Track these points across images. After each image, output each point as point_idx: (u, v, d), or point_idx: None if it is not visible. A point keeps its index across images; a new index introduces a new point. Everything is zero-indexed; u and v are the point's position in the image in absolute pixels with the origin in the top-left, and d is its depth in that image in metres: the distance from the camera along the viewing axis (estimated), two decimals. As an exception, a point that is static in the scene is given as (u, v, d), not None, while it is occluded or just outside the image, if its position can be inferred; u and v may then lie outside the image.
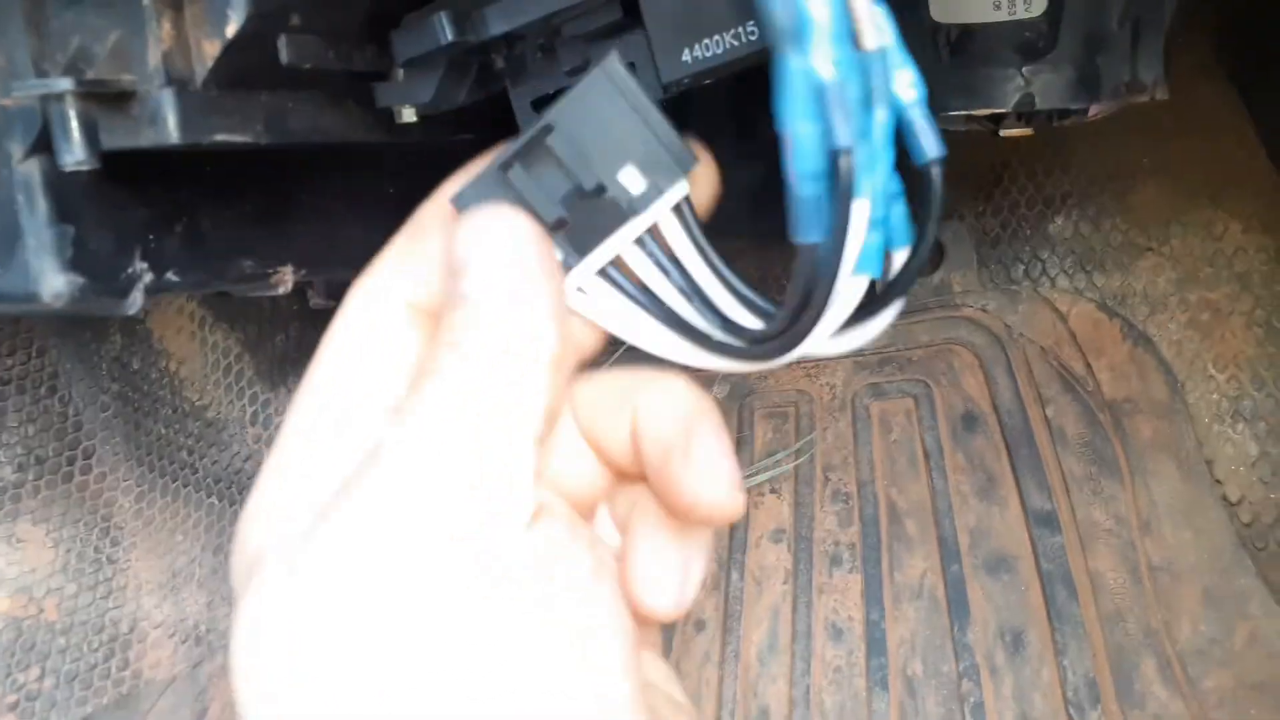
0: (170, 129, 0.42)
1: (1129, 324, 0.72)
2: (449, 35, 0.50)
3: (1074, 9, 0.56)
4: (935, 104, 0.62)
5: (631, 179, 0.34)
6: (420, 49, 0.51)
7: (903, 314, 0.84)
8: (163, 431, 0.86)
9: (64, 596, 0.78)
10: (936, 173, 0.30)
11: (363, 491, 0.28)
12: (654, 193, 0.34)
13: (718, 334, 0.35)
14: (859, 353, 0.77)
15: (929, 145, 0.31)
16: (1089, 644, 0.61)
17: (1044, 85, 0.58)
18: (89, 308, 0.47)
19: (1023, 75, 0.58)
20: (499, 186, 0.35)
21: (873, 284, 0.33)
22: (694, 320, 0.36)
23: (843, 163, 0.29)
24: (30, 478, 0.80)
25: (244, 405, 0.85)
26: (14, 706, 0.73)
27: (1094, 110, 0.61)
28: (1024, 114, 0.62)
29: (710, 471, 0.31)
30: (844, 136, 0.29)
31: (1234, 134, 0.70)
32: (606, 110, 0.35)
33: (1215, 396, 0.70)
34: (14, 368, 0.82)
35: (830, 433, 0.76)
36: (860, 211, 0.30)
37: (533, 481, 0.28)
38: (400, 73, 0.53)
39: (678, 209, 0.34)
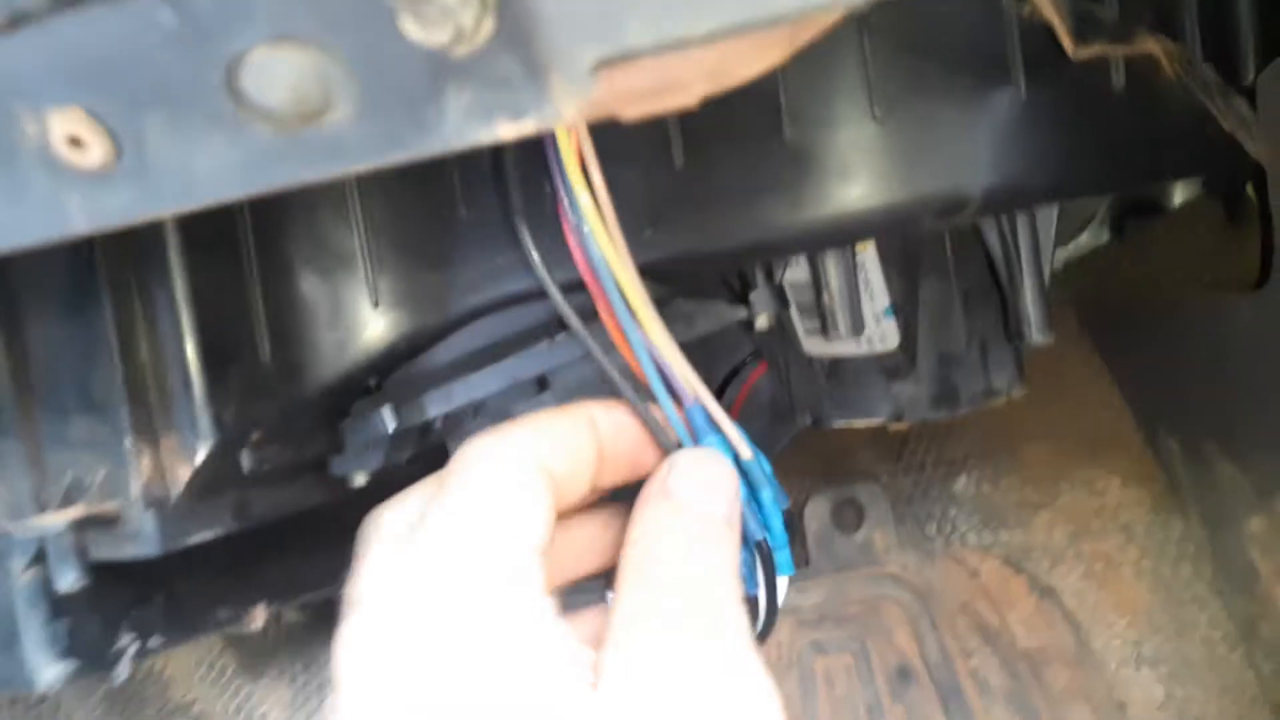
0: (152, 543, 0.50)
1: (1033, 578, 0.79)
2: (390, 426, 0.59)
3: (925, 340, 0.66)
4: (822, 416, 0.71)
5: None
6: (367, 436, 0.60)
7: (836, 570, 0.91)
8: (152, 728, 0.90)
9: None
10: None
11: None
12: None
13: None
14: (799, 610, 0.83)
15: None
16: None
17: (910, 400, 0.67)
18: (82, 682, 0.54)
19: (890, 393, 0.67)
20: None
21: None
22: None
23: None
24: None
25: (228, 699, 0.90)
26: None
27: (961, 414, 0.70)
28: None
29: None
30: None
31: (1102, 399, 0.79)
32: None
33: (1118, 643, 0.76)
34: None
35: (781, 692, 0.81)
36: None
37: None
38: (352, 452, 0.61)
39: None
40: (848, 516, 0.88)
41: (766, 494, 0.44)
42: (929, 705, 0.76)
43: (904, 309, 0.63)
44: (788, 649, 0.83)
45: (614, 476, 0.42)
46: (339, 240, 0.55)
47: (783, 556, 0.44)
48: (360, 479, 0.61)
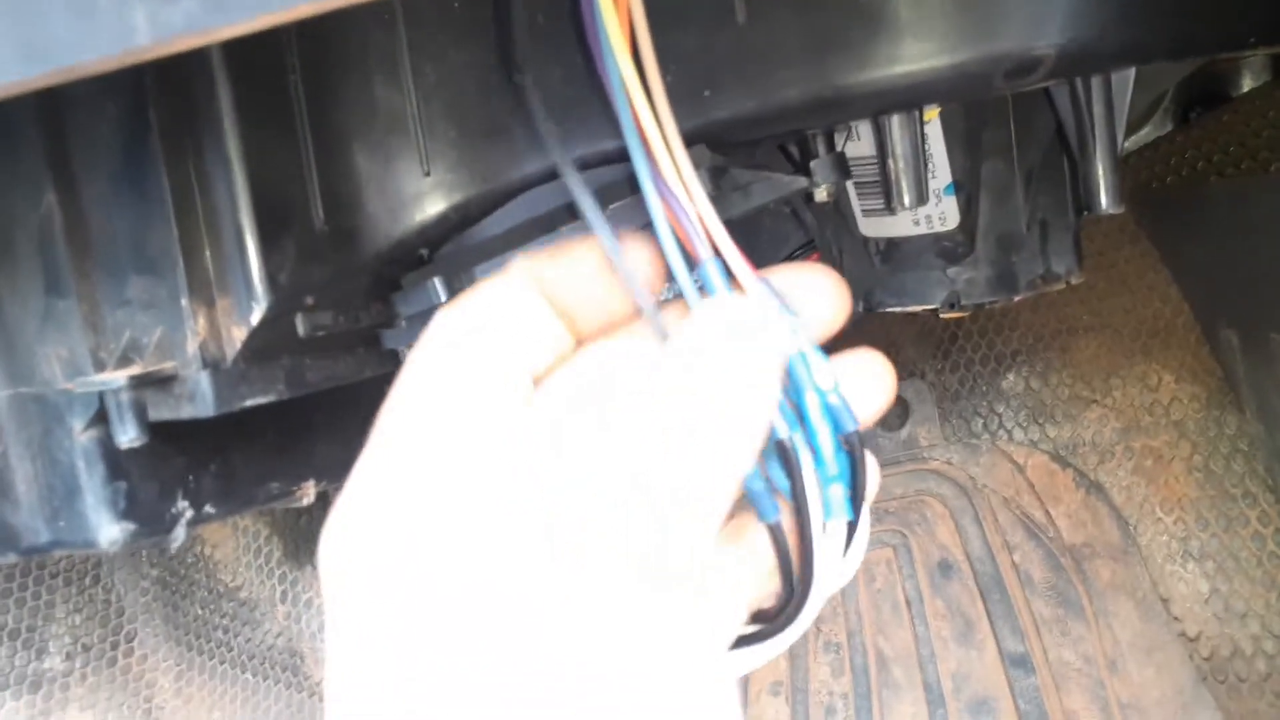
0: (208, 403, 0.50)
1: (1080, 473, 0.78)
2: (443, 297, 0.58)
3: (985, 220, 0.64)
4: (874, 302, 0.70)
5: None
6: (419, 307, 0.60)
7: (881, 466, 0.92)
8: (199, 612, 0.92)
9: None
10: (855, 440, 0.35)
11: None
12: None
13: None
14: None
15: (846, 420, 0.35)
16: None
17: (967, 284, 0.66)
18: (140, 546, 0.55)
19: (947, 276, 0.66)
20: None
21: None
22: None
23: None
24: (78, 665, 0.86)
25: (274, 585, 0.92)
26: None
27: (1015, 299, 0.69)
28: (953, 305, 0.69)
29: None
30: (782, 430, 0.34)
31: (1158, 292, 0.77)
32: None
33: (1165, 538, 0.75)
34: (60, 560, 0.89)
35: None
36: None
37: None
38: (403, 322, 0.61)
39: None
40: (891, 413, 0.87)
41: (813, 398, 0.34)
42: (969, 598, 0.76)
43: (965, 186, 0.61)
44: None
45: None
46: (391, 105, 0.54)
47: (833, 493, 0.34)
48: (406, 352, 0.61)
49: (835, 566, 0.36)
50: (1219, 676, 0.70)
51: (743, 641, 0.38)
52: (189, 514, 0.57)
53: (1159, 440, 0.77)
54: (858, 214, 0.66)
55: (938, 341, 0.89)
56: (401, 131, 0.54)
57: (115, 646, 0.90)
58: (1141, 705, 0.69)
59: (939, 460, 0.83)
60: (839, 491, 0.35)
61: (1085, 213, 0.60)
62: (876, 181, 0.62)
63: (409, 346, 0.66)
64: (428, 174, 0.54)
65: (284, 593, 0.92)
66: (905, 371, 0.87)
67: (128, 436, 0.49)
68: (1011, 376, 0.84)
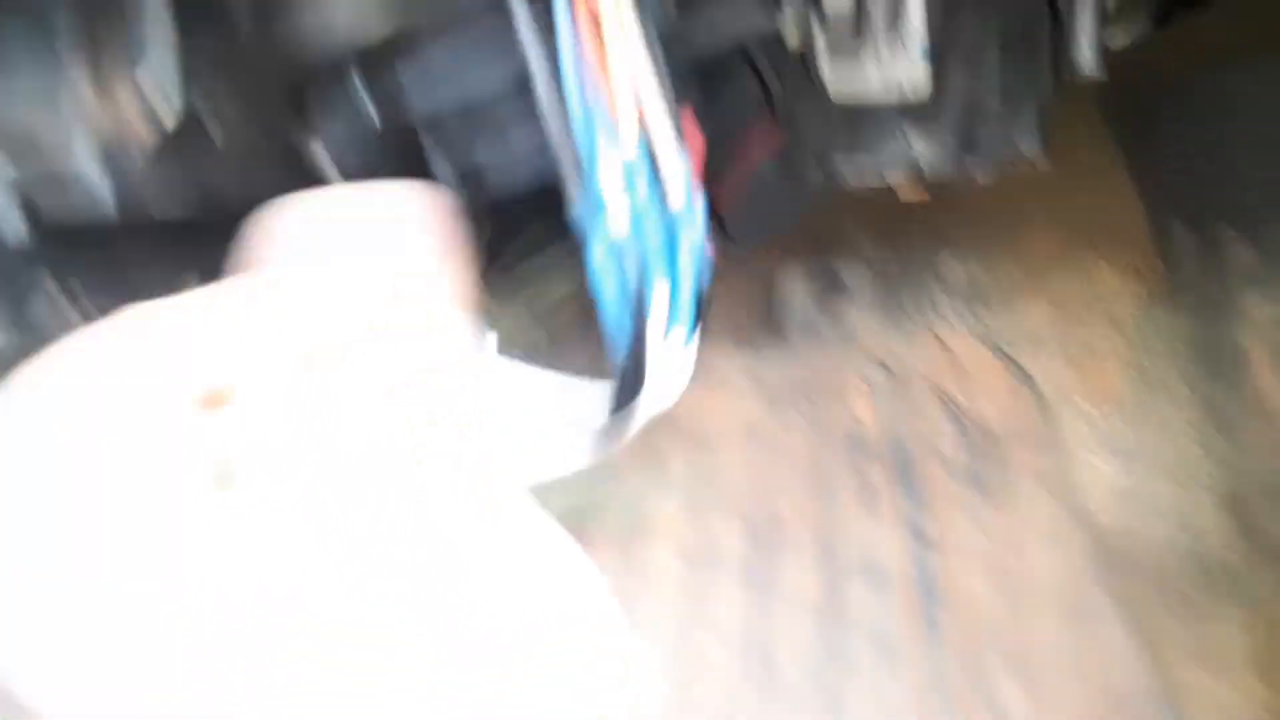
0: (107, 206, 0.46)
1: (1011, 360, 0.78)
2: (364, 96, 0.54)
3: (954, 83, 0.61)
4: (830, 170, 0.67)
5: None
6: (342, 116, 0.55)
7: (804, 340, 0.89)
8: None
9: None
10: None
11: None
12: None
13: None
14: (754, 371, 0.82)
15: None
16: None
17: (929, 155, 0.63)
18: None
19: (908, 142, 0.63)
20: None
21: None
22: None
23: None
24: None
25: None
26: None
27: (980, 177, 0.67)
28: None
29: None
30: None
31: (1114, 191, 0.76)
32: None
33: (1087, 429, 0.76)
34: None
35: (728, 449, 0.81)
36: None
37: None
38: (321, 143, 0.57)
39: None
40: (827, 291, 0.86)
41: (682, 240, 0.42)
42: (879, 471, 0.76)
43: (939, 52, 0.58)
44: (735, 407, 0.83)
45: None
46: None
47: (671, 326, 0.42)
48: (334, 174, 0.57)
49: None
50: (1121, 568, 0.72)
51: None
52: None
53: (1094, 333, 0.77)
54: (825, 70, 0.62)
55: (881, 223, 0.87)
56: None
57: None
58: (1036, 587, 0.71)
59: (868, 340, 0.82)
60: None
61: (1065, 77, 0.58)
62: (850, 20, 0.59)
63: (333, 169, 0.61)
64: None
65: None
66: (846, 251, 0.85)
67: (16, 235, 0.45)
68: (953, 262, 0.83)
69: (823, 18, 0.57)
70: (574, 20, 0.41)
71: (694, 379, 0.47)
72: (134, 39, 0.45)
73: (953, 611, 0.70)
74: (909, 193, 0.72)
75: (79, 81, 0.44)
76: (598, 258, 0.42)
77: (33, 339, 0.50)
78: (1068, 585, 0.70)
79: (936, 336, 0.80)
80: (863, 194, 0.73)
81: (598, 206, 0.41)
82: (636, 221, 0.41)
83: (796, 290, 0.85)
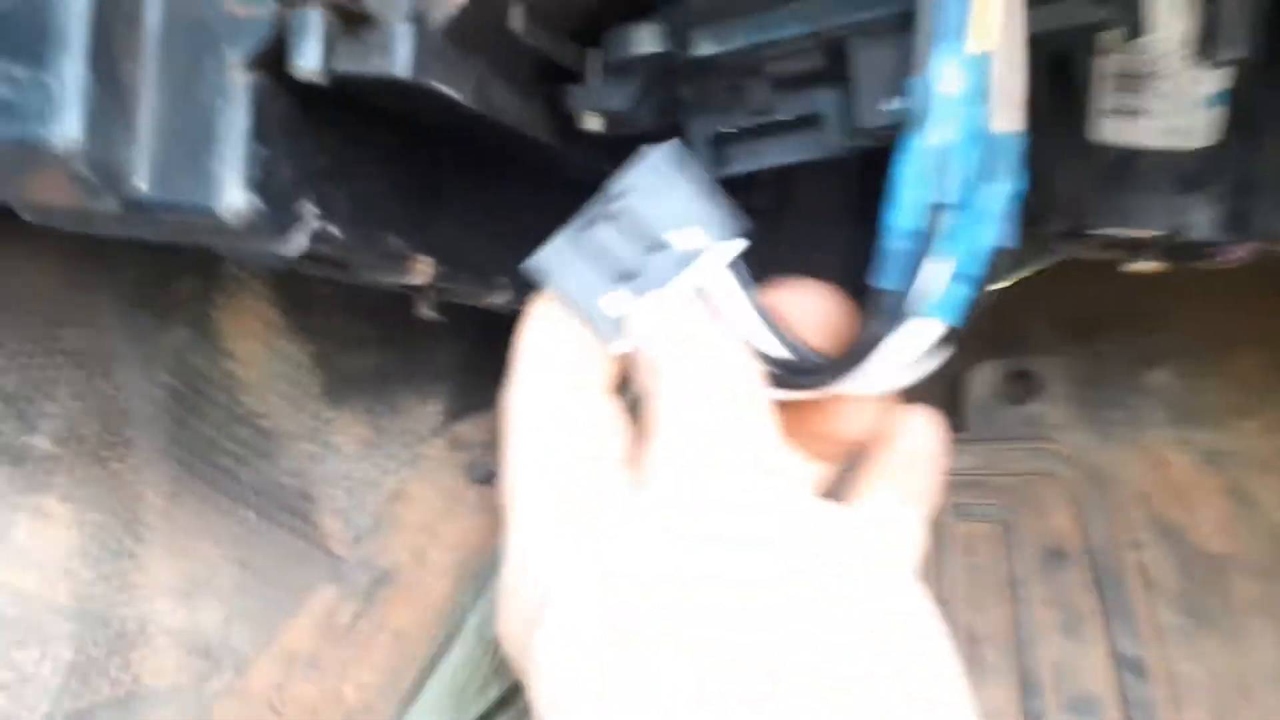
0: (403, 62, 0.42)
1: (1233, 480, 0.71)
2: (646, 47, 0.50)
3: (1232, 151, 0.57)
4: (1085, 224, 0.62)
5: (690, 238, 0.39)
6: (625, 53, 0.51)
7: (995, 439, 0.80)
8: (210, 434, 0.82)
9: (78, 582, 0.74)
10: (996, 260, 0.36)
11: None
12: (710, 249, 0.39)
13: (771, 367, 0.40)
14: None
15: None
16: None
17: (1194, 216, 0.59)
18: (251, 238, 0.46)
19: (1175, 204, 0.59)
20: (575, 248, 0.40)
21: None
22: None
23: (936, 218, 0.35)
24: (68, 454, 0.76)
25: (303, 420, 0.83)
26: (5, 686, 0.68)
27: (1236, 254, 0.62)
28: (1165, 246, 0.62)
29: None
30: (941, 195, 0.35)
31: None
32: (671, 180, 0.40)
33: (1318, 565, 0.68)
34: (75, 341, 0.79)
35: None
36: (936, 269, 0.35)
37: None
38: (597, 80, 0.53)
39: (732, 265, 0.39)
40: (1018, 387, 0.80)
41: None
42: (1082, 590, 0.68)
43: (1239, 97, 0.54)
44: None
45: None
46: None
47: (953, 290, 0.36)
48: (593, 121, 0.53)
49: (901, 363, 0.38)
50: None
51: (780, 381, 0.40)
52: (315, 223, 0.48)
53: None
54: (1093, 113, 0.59)
55: (1076, 326, 0.82)
56: None
57: (110, 448, 0.80)
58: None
59: (1066, 443, 0.75)
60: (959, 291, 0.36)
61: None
62: (1140, 76, 0.55)
63: (597, 109, 0.56)
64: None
65: (314, 430, 0.82)
66: (1039, 347, 0.80)
67: (307, 64, 0.41)
68: (1159, 372, 0.77)
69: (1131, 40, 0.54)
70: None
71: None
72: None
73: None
74: (1140, 264, 0.67)
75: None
76: (907, 159, 0.37)
77: (273, 227, 0.45)
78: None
79: (1144, 447, 0.73)
80: (1056, 286, 0.68)
81: (927, 99, 0.36)
82: (964, 140, 0.36)
83: (985, 382, 0.79)
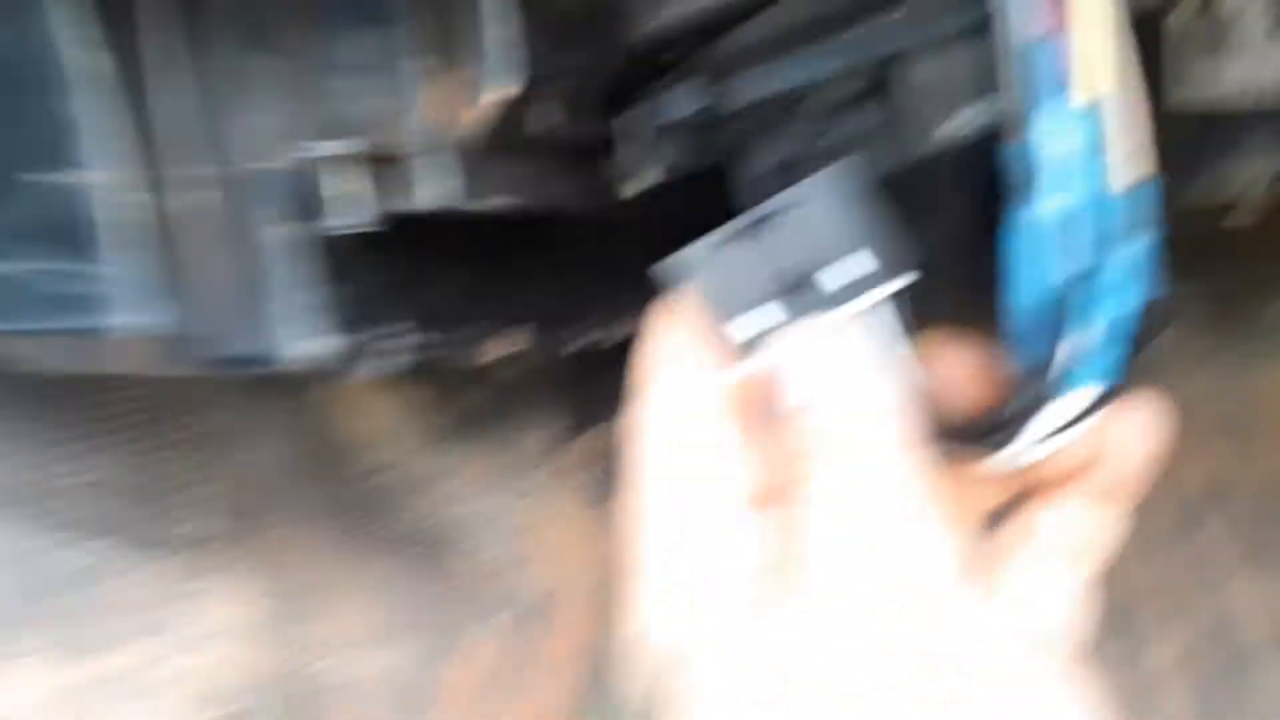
0: (426, 196, 0.41)
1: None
2: (696, 104, 0.48)
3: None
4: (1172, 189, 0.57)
5: (855, 265, 0.36)
6: (666, 119, 0.50)
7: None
8: (342, 491, 0.86)
9: (269, 648, 0.78)
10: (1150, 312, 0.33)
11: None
12: (867, 284, 0.36)
13: None
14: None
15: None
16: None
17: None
18: (324, 369, 0.47)
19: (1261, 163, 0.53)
20: (723, 255, 0.37)
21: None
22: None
23: (1067, 293, 0.33)
24: (229, 530, 0.81)
25: (431, 462, 0.85)
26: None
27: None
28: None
29: None
30: (1066, 268, 0.33)
31: None
32: (833, 204, 0.37)
33: None
34: (193, 425, 0.82)
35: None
36: (1066, 349, 0.33)
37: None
38: (636, 146, 0.52)
39: (896, 300, 0.36)
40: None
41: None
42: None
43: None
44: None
45: None
46: None
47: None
48: (633, 184, 0.52)
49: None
50: None
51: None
52: (386, 342, 0.48)
53: None
54: (1179, 66, 0.54)
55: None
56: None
57: (268, 514, 0.84)
58: None
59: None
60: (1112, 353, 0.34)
61: None
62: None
63: (635, 172, 0.55)
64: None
65: (443, 470, 0.85)
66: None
67: (348, 222, 0.41)
68: None
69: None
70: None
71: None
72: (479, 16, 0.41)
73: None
74: (1244, 214, 0.61)
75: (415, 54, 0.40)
76: (1020, 234, 0.34)
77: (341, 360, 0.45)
78: None
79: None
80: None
81: (1031, 167, 0.33)
82: (1084, 204, 0.33)
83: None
